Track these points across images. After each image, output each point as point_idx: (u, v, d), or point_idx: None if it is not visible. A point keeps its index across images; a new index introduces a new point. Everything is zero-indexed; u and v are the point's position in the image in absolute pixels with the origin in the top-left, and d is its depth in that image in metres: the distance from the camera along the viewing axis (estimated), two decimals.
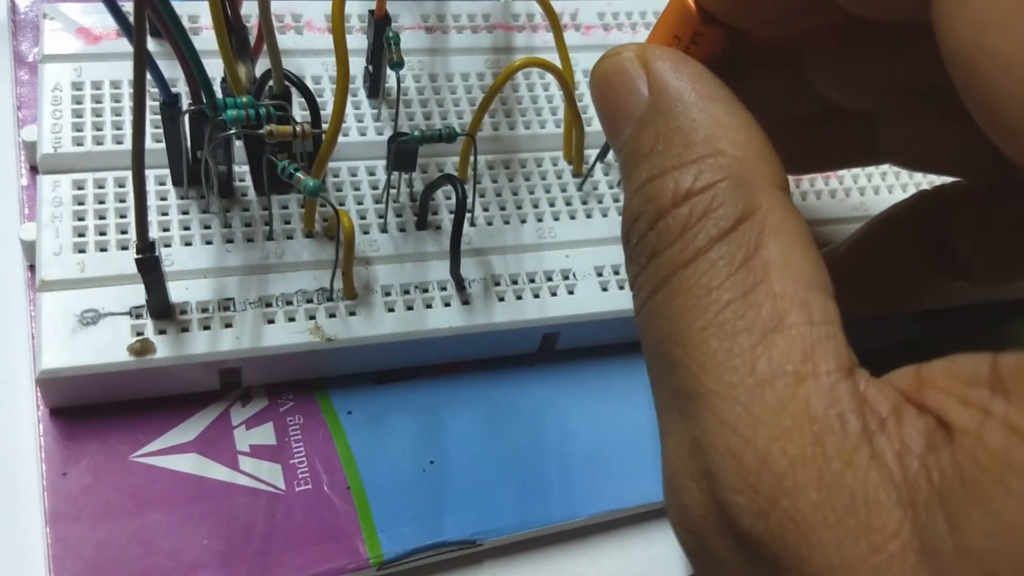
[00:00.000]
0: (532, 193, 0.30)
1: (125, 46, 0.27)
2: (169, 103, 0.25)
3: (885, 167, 0.34)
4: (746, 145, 0.18)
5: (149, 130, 0.27)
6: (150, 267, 0.23)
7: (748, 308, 0.16)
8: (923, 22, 0.16)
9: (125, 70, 0.29)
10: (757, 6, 0.20)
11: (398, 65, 0.26)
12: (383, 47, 0.27)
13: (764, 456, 0.15)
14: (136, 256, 0.23)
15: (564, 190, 0.30)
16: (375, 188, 0.29)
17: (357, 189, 0.28)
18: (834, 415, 0.15)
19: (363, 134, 0.30)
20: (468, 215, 0.28)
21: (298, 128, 0.24)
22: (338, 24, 0.24)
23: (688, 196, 0.18)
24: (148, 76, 0.22)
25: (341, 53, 0.24)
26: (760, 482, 0.15)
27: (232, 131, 0.24)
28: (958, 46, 0.15)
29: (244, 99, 0.24)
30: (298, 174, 0.23)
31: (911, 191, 0.33)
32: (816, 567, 0.15)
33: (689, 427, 0.17)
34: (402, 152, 0.26)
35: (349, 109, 0.30)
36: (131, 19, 0.20)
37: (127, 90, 0.28)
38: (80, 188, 0.26)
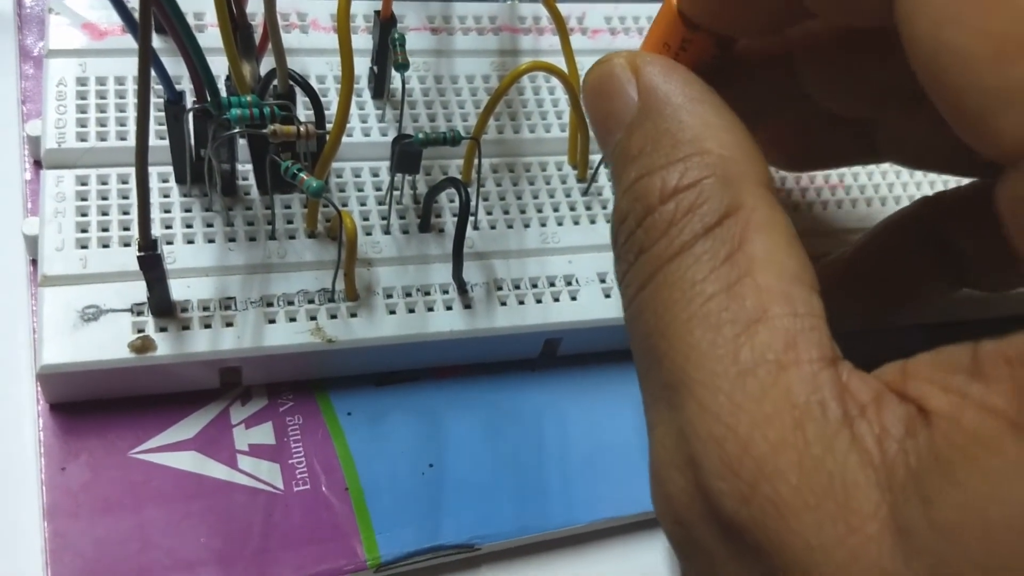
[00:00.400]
0: (536, 198, 0.30)
1: (130, 42, 0.27)
2: (173, 101, 0.25)
3: (892, 178, 0.34)
4: (732, 144, 0.18)
5: (153, 127, 0.27)
6: (152, 265, 0.23)
7: (732, 300, 0.17)
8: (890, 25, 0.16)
9: (130, 66, 0.29)
10: (736, 14, 0.20)
11: (403, 67, 0.26)
12: (388, 48, 0.27)
13: (746, 442, 0.15)
14: (138, 254, 0.23)
15: (568, 195, 0.30)
16: (378, 189, 0.29)
17: (360, 190, 0.28)
18: (815, 401, 0.15)
19: (367, 135, 0.29)
20: (471, 219, 0.28)
21: (302, 128, 0.24)
22: (343, 24, 0.24)
23: (675, 193, 0.18)
24: (152, 73, 0.22)
25: (346, 53, 0.24)
26: (742, 468, 0.15)
27: (236, 130, 0.24)
28: (919, 44, 0.15)
29: (248, 98, 0.24)
30: (301, 175, 0.23)
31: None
32: (796, 551, 0.15)
33: (675, 417, 0.17)
34: (406, 154, 0.26)
35: (353, 110, 0.30)
36: (136, 16, 0.20)
37: (132, 86, 0.28)
38: (83, 184, 0.26)
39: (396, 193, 0.28)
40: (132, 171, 0.26)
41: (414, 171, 0.27)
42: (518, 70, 0.27)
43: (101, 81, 0.28)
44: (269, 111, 0.24)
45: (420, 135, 0.25)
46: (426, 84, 0.31)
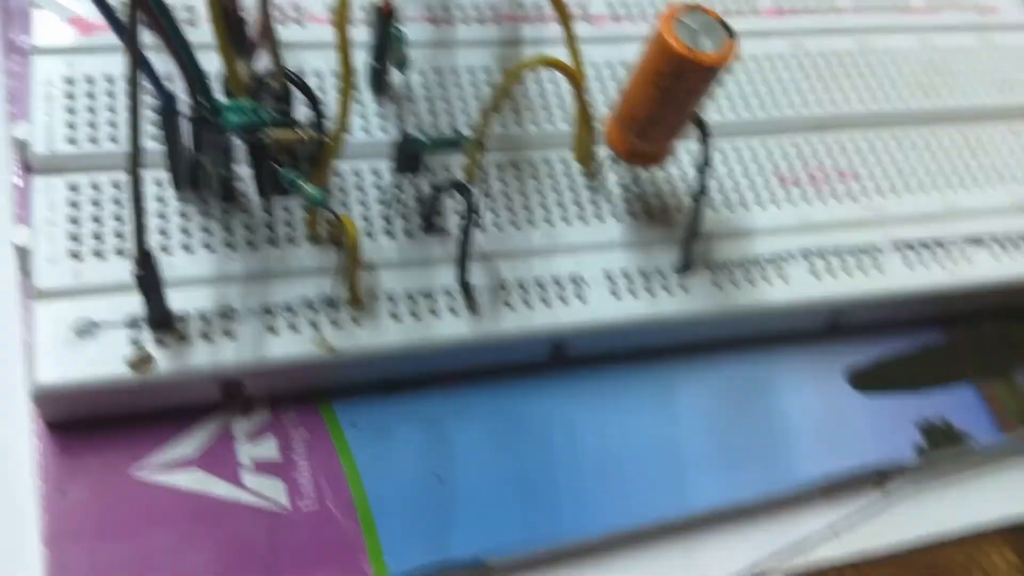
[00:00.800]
0: (541, 195, 0.29)
1: None
2: (167, 105, 0.24)
3: None
4: None
5: (147, 129, 0.26)
6: (147, 278, 0.22)
7: None
8: None
9: (120, 63, 0.27)
10: None
11: (404, 65, 0.26)
12: (388, 43, 0.26)
13: None
14: (134, 271, 0.22)
15: (574, 191, 0.29)
16: (379, 189, 0.28)
17: (360, 190, 0.28)
18: None
19: (366, 132, 0.29)
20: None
21: (301, 134, 0.23)
22: (341, 23, 0.23)
23: None
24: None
25: (344, 56, 0.23)
26: None
27: (233, 135, 0.23)
28: None
29: (245, 102, 0.23)
30: (300, 182, 0.23)
31: None
32: None
33: None
34: (408, 155, 0.25)
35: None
36: (123, 16, 0.19)
37: (122, 84, 0.27)
38: (75, 190, 0.25)
39: (398, 193, 0.27)
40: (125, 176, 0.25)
41: (416, 171, 0.26)
42: (519, 65, 0.26)
43: (90, 80, 0.27)
44: (267, 114, 0.23)
45: (425, 139, 0.25)
46: (427, 78, 0.30)
